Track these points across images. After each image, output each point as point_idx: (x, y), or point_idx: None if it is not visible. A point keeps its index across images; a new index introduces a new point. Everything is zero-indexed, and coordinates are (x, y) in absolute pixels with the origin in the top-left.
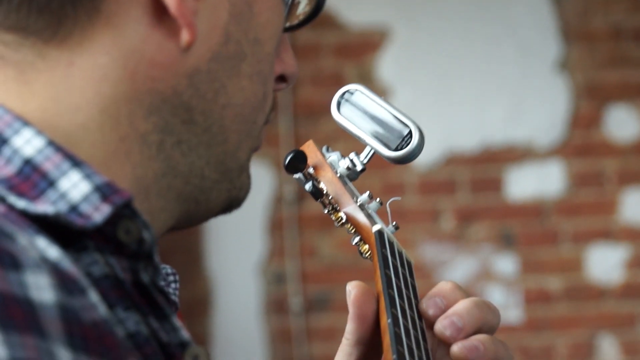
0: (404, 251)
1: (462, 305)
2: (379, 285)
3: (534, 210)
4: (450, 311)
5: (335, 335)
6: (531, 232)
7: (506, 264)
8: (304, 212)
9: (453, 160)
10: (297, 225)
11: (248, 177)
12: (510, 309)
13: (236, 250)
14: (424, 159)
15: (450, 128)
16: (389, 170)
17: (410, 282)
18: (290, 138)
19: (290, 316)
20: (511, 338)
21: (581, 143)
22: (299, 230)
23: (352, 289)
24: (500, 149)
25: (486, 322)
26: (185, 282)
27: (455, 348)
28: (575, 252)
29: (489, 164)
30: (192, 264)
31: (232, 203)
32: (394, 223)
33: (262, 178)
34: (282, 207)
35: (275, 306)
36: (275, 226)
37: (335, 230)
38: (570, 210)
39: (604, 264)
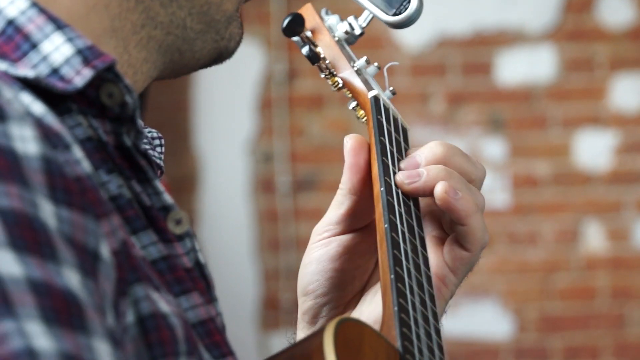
0: (399, 117)
1: (427, 145)
2: (373, 152)
3: (524, 95)
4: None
5: (322, 216)
6: (520, 116)
7: (495, 147)
8: (293, 92)
9: (444, 44)
10: (286, 104)
11: (238, 27)
12: (497, 193)
13: (225, 128)
14: (415, 42)
15: (442, 12)
16: (380, 53)
17: (405, 148)
18: (281, 16)
19: (278, 196)
20: (498, 222)
21: (573, 28)
22: (288, 110)
23: (349, 140)
24: (491, 33)
25: (450, 161)
26: (173, 160)
27: (397, 176)
28: (563, 138)
29: (480, 47)
30: (180, 141)
31: (222, 53)
32: (391, 88)
33: (252, 57)
34: (271, 86)
35: (263, 185)
36: (265, 105)
37: (325, 110)
38: (560, 96)
39: (592, 149)
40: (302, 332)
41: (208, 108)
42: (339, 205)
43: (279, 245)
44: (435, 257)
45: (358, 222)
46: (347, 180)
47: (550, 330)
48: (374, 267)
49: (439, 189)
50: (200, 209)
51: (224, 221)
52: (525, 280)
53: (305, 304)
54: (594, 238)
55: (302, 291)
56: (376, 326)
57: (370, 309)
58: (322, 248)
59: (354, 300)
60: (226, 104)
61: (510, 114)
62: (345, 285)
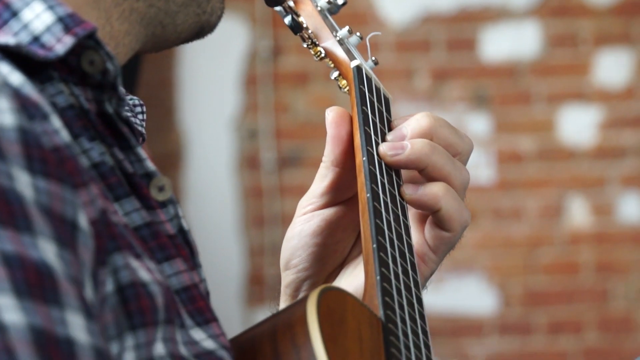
0: (382, 87)
1: (413, 117)
2: (356, 122)
3: (508, 71)
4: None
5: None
6: (505, 92)
7: (479, 123)
8: (278, 68)
9: (429, 20)
10: (271, 81)
11: (220, 1)
12: (482, 168)
13: (210, 105)
14: (400, 18)
15: None
16: (365, 29)
17: (387, 117)
18: None
19: (263, 172)
20: (482, 198)
21: (557, 4)
22: (273, 86)
23: (330, 112)
24: (476, 9)
25: (436, 133)
26: (158, 136)
27: (380, 147)
28: (548, 113)
29: (465, 23)
30: (164, 117)
31: (203, 27)
32: (373, 58)
33: (237, 33)
34: (256, 63)
35: (248, 162)
36: (250, 82)
37: (310, 86)
38: (545, 71)
39: (577, 125)
40: (284, 304)
41: (193, 85)
42: (322, 178)
43: (263, 221)
44: (416, 234)
45: (341, 194)
46: (329, 153)
47: (534, 304)
48: (354, 241)
49: (403, 193)
50: (185, 185)
51: (209, 197)
52: (510, 256)
53: (287, 278)
54: (578, 213)
55: (285, 265)
56: (357, 296)
57: (349, 281)
58: (304, 223)
59: (334, 273)
60: (211, 81)
61: (495, 90)
62: (327, 259)
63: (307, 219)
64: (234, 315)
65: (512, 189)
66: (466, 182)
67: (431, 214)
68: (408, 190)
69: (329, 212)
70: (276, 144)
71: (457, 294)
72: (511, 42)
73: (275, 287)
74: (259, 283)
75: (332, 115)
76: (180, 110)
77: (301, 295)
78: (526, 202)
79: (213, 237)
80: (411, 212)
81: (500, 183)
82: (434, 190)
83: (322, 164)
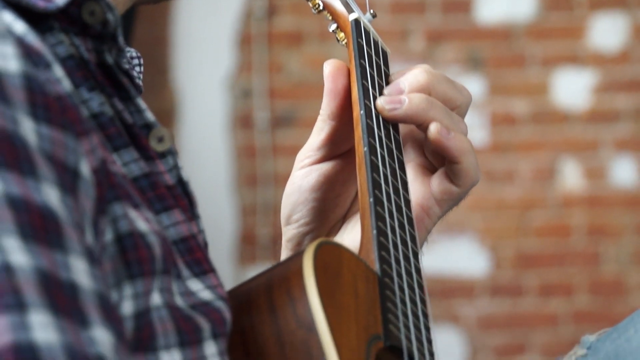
0: (379, 40)
1: (411, 71)
2: (353, 75)
3: (503, 33)
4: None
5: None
6: (499, 55)
7: (473, 85)
8: (273, 28)
9: None
10: (266, 40)
11: None
12: (476, 130)
13: (204, 64)
14: None
15: None
16: None
17: (385, 71)
18: None
19: (256, 132)
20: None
21: None
22: (267, 46)
23: (327, 65)
24: None
25: (434, 88)
26: (152, 95)
27: (378, 101)
28: (542, 76)
29: None
30: (158, 76)
31: None
32: (372, 11)
33: None
34: (251, 22)
35: (241, 121)
36: (244, 41)
37: (305, 47)
38: (539, 34)
39: (571, 88)
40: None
41: (187, 43)
42: (319, 131)
43: (256, 180)
44: (421, 187)
45: (338, 148)
46: (326, 106)
47: (525, 267)
48: (354, 195)
49: (432, 130)
50: (178, 144)
51: (202, 157)
52: (502, 218)
53: (289, 232)
54: (571, 176)
55: (286, 220)
56: (356, 252)
57: (352, 237)
58: (303, 178)
59: (336, 227)
60: (205, 40)
61: (490, 53)
62: (327, 213)
63: (305, 174)
64: (225, 274)
65: (506, 152)
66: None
67: (448, 165)
68: (440, 131)
69: (327, 166)
70: (270, 104)
71: (448, 256)
72: (506, 4)
73: (268, 247)
74: (251, 242)
75: (329, 69)
76: (174, 68)
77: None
78: (519, 165)
79: (205, 196)
80: (413, 164)
81: (493, 145)
82: (463, 142)
83: (319, 117)
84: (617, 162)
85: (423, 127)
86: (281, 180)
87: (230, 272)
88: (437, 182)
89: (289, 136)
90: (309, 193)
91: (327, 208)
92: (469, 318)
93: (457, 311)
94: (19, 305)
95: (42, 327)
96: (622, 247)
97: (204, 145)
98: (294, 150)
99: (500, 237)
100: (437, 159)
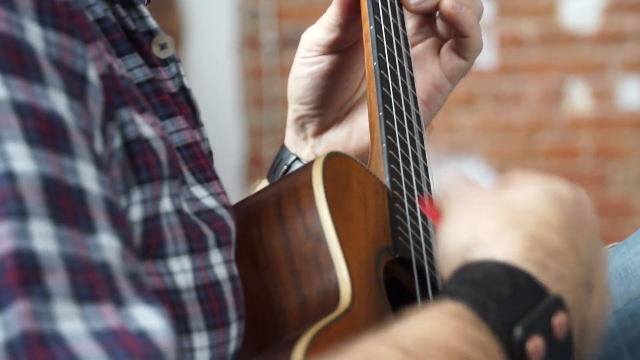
0: None
1: None
2: None
3: None
4: None
5: None
6: None
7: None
8: None
9: None
10: None
11: None
12: (483, 52)
13: None
14: None
15: None
16: None
17: None
18: None
19: (263, 53)
20: (483, 82)
21: None
22: None
23: None
24: None
25: None
26: (159, 16)
27: None
28: None
29: None
30: None
31: None
32: None
33: None
34: None
35: (249, 42)
36: None
37: None
38: None
39: (579, 9)
40: (291, 138)
41: None
42: (327, 31)
43: (263, 102)
44: (433, 67)
45: (346, 43)
46: (335, 15)
47: None
48: (362, 77)
49: (447, 4)
50: (185, 65)
51: (209, 78)
52: (509, 140)
53: (297, 113)
54: (579, 98)
55: (295, 102)
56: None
57: (358, 123)
58: (314, 65)
59: (346, 108)
60: None
61: None
62: (337, 97)
63: (317, 61)
64: (232, 194)
65: (513, 73)
66: (481, 13)
67: (456, 40)
68: (454, 5)
69: (336, 56)
70: (277, 25)
71: None
72: None
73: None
74: (258, 163)
75: None
76: None
77: (308, 130)
78: (526, 87)
79: (212, 117)
80: (425, 46)
81: (501, 67)
82: (472, 17)
83: (328, 17)
84: (625, 83)
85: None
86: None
87: (237, 193)
88: (446, 59)
89: None
90: (320, 80)
91: (337, 92)
92: None
93: None
94: (20, 213)
95: (42, 237)
96: (630, 169)
97: (211, 66)
98: None
99: (507, 159)
100: (446, 34)
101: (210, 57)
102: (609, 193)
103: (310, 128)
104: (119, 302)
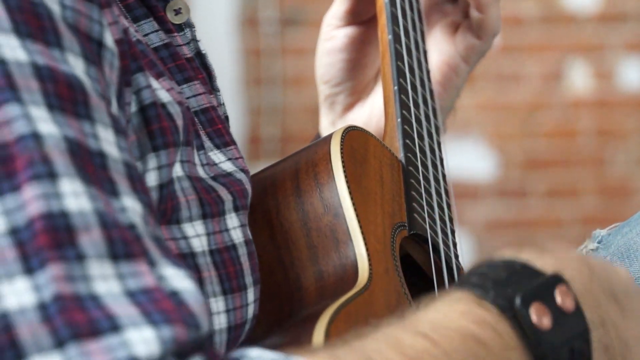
0: None
1: None
2: None
3: None
4: None
5: (308, 53)
6: None
7: None
8: None
9: None
10: None
11: None
12: None
13: None
14: None
15: None
16: None
17: None
18: None
19: (263, 32)
20: (484, 62)
21: None
22: None
23: None
24: None
25: None
26: None
27: None
28: None
29: None
30: None
31: None
32: None
33: None
34: None
35: (249, 21)
36: None
37: None
38: None
39: None
40: (324, 117)
41: None
42: (341, 3)
43: (262, 81)
44: (447, 46)
45: (361, 16)
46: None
47: (532, 169)
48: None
49: None
50: None
51: (209, 56)
52: (509, 120)
53: (324, 92)
54: (579, 78)
55: (320, 80)
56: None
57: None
58: (330, 41)
59: (368, 88)
60: None
61: None
62: (357, 73)
63: (332, 37)
64: None
65: (513, 53)
66: None
67: (471, 17)
68: None
69: (352, 29)
70: (278, 3)
71: (455, 157)
72: None
73: (272, 145)
74: (256, 142)
75: None
76: None
77: (337, 107)
78: (527, 67)
79: None
80: (441, 26)
81: (501, 47)
82: None
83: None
84: (626, 63)
85: None
86: (289, 81)
87: None
88: (461, 38)
89: (297, 36)
90: (336, 54)
91: (357, 68)
92: (476, 220)
93: (463, 213)
94: (49, 175)
95: (74, 195)
96: (630, 150)
97: (210, 45)
98: (302, 51)
99: (507, 139)
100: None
101: (209, 36)
102: (609, 173)
103: (337, 108)
104: (151, 262)
